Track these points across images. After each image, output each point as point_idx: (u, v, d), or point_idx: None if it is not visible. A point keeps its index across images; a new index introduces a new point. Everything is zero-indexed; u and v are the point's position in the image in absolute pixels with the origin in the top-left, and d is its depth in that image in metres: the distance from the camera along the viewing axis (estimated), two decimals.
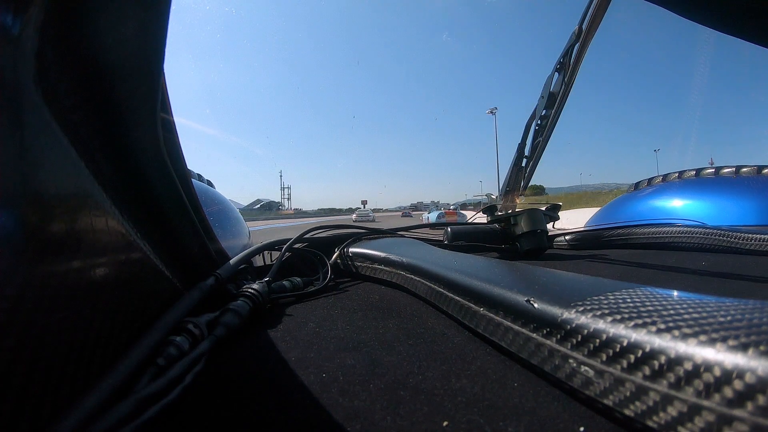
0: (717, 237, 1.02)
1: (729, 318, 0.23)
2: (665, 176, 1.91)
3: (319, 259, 0.76)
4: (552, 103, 1.16)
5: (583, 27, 1.05)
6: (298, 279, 0.64)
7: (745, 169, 1.61)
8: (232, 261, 0.56)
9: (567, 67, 1.12)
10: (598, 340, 0.26)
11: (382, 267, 0.69)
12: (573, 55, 1.10)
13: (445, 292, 0.48)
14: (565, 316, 0.29)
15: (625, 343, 0.24)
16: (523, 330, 0.33)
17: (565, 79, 1.12)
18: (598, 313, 0.28)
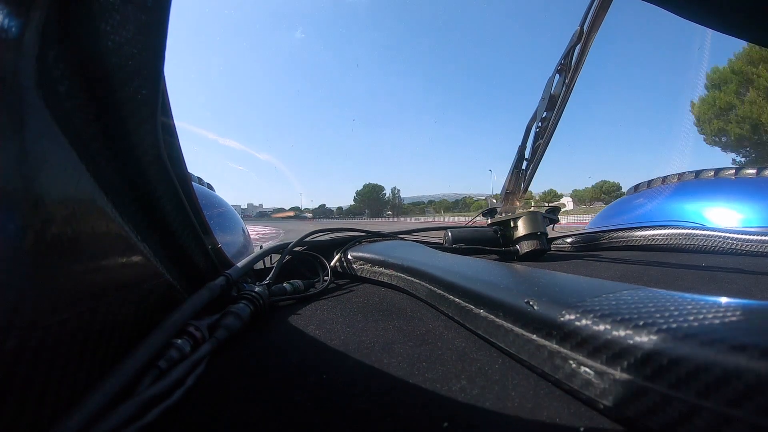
0: (716, 239, 1.03)
1: (729, 319, 0.23)
2: (665, 178, 1.91)
3: (320, 262, 0.76)
4: (553, 105, 1.16)
5: (584, 28, 1.05)
6: (299, 282, 0.64)
7: (744, 171, 1.61)
8: (241, 263, 0.56)
9: (568, 68, 1.12)
10: (597, 341, 0.26)
11: (382, 270, 0.69)
12: (574, 57, 1.10)
13: (445, 294, 0.48)
14: (564, 317, 0.29)
15: (625, 344, 0.24)
16: (523, 331, 0.33)
17: (566, 81, 1.12)
18: (598, 314, 0.28)
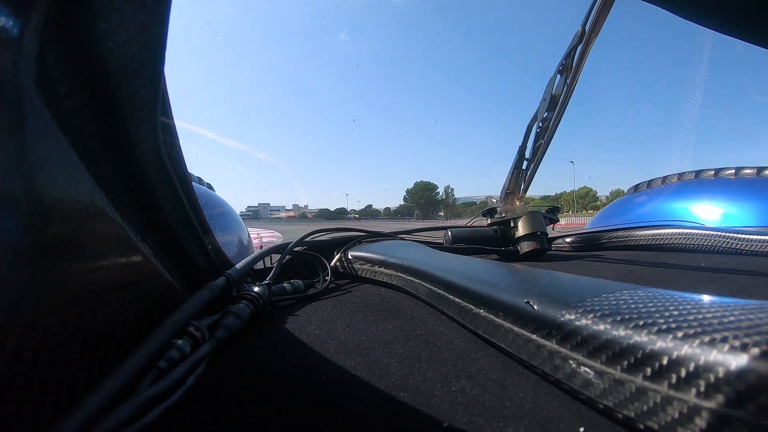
0: (716, 238, 1.03)
1: (729, 318, 0.23)
2: (665, 178, 1.91)
3: (320, 261, 0.76)
4: (554, 106, 1.16)
5: (586, 29, 1.05)
6: (299, 281, 0.64)
7: (744, 171, 1.62)
8: (241, 263, 0.56)
9: (569, 69, 1.12)
10: (597, 341, 0.26)
11: (382, 269, 0.69)
12: (576, 57, 1.10)
13: (445, 294, 0.48)
14: (564, 317, 0.29)
15: (624, 344, 0.24)
16: (523, 331, 0.33)
17: (568, 81, 1.12)
18: (598, 314, 0.28)
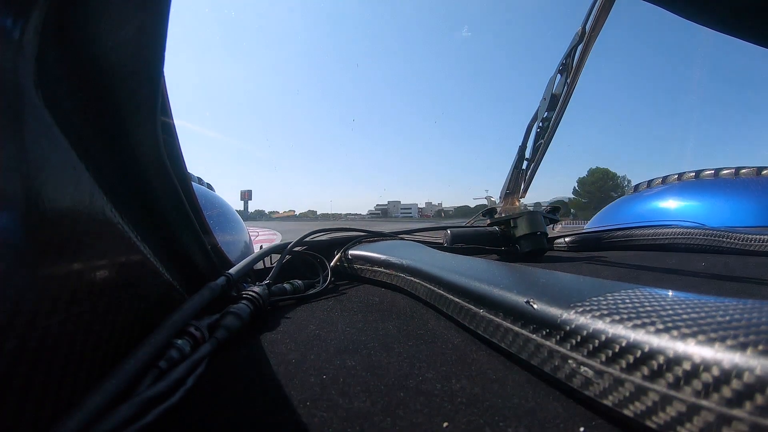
0: (716, 238, 1.03)
1: (728, 318, 0.23)
2: (665, 178, 1.91)
3: (320, 261, 0.76)
4: (554, 105, 1.16)
5: (587, 28, 1.05)
6: (299, 282, 0.64)
7: (744, 171, 1.62)
8: (241, 263, 0.56)
9: (570, 68, 1.12)
10: (597, 341, 0.26)
11: (382, 269, 0.69)
12: (576, 57, 1.10)
13: (444, 294, 0.48)
14: (564, 316, 0.29)
15: (624, 344, 0.24)
16: (523, 331, 0.33)
17: (568, 81, 1.12)
18: (598, 313, 0.28)
